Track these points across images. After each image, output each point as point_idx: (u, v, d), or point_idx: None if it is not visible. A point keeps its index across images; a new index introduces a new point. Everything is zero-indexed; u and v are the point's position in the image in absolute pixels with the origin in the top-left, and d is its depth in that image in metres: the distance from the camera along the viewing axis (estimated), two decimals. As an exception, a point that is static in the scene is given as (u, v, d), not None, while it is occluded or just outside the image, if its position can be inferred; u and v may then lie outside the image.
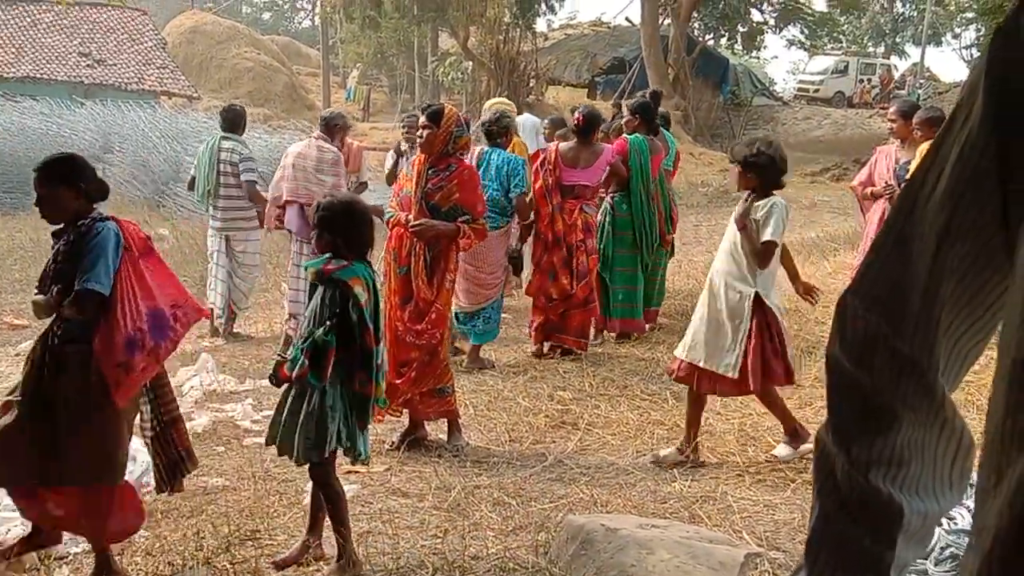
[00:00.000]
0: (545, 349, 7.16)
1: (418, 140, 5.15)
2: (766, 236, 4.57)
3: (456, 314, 6.66)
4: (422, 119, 5.12)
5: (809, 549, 1.02)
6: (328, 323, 3.50)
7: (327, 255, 3.67)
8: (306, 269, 4.00)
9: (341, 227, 3.65)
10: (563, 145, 7.18)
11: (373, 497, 4.44)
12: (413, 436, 5.21)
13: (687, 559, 3.43)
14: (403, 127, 8.51)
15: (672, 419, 5.60)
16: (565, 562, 3.64)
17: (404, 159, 7.98)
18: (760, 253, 4.60)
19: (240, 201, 7.71)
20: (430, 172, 5.11)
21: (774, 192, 4.72)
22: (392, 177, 8.03)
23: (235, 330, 8.02)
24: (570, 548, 3.66)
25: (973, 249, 0.90)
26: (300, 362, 3.47)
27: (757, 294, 4.65)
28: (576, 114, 7.27)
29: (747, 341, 4.65)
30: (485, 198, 5.90)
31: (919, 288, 0.93)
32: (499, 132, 6.94)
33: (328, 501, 3.69)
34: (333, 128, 7.45)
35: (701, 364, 4.76)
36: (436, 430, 5.38)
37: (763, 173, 4.68)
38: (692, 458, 4.90)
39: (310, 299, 3.68)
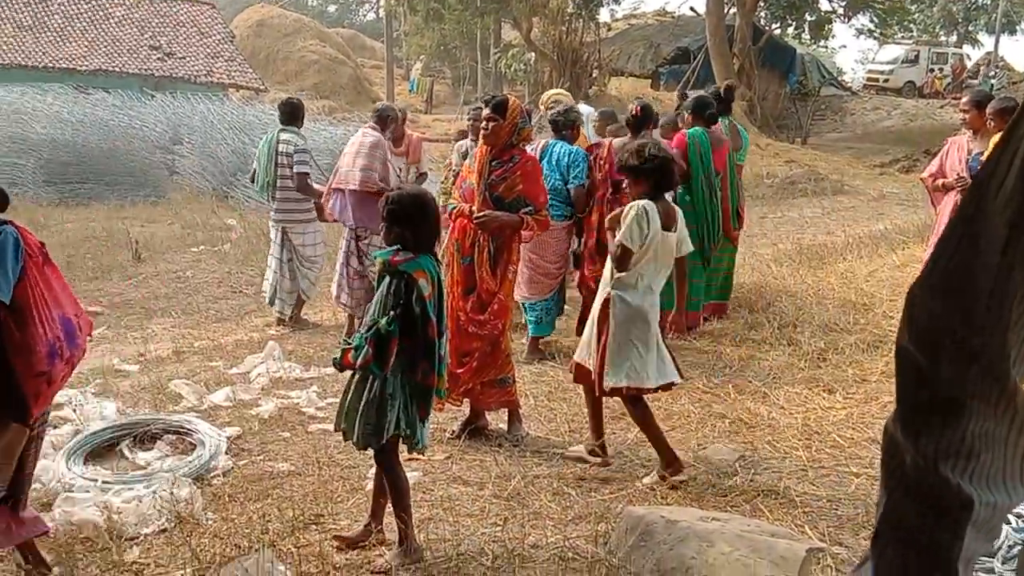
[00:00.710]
0: None
1: (482, 131, 5.16)
2: (617, 239, 4.47)
3: (521, 303, 6.79)
4: (486, 111, 5.13)
5: (876, 538, 1.02)
6: (392, 313, 3.55)
7: (395, 246, 3.72)
8: (374, 258, 4.06)
9: (408, 220, 3.69)
10: (617, 140, 7.15)
11: (434, 484, 4.49)
12: (474, 425, 5.25)
13: (748, 552, 3.41)
14: (470, 119, 8.55)
15: (735, 412, 5.55)
16: (624, 553, 3.64)
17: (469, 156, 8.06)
18: (614, 255, 4.50)
19: (295, 193, 7.82)
20: (493, 164, 5.13)
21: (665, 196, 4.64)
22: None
23: (303, 316, 8.16)
24: (630, 539, 3.66)
25: None
26: (364, 351, 3.52)
27: (610, 296, 4.55)
28: (633, 105, 7.25)
29: (598, 340, 4.59)
30: (548, 188, 6.06)
31: (989, 278, 0.92)
32: (566, 124, 7.02)
33: (391, 487, 3.75)
34: (385, 120, 7.55)
35: (576, 358, 4.81)
36: (496, 420, 5.41)
37: (648, 178, 4.57)
38: (602, 457, 4.82)
39: (378, 287, 3.73)
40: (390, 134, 7.60)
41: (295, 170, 7.71)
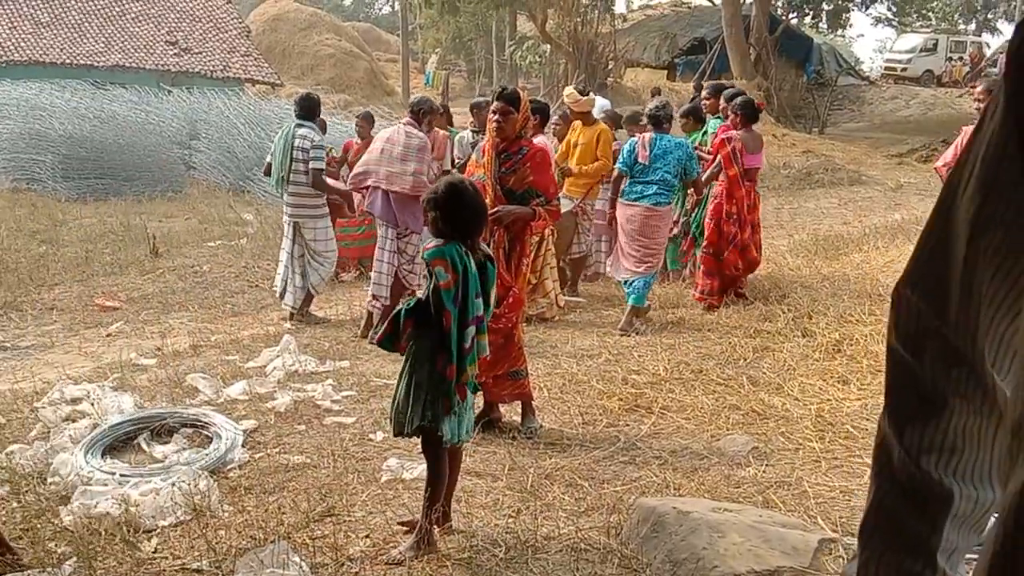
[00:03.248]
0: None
1: (494, 124, 5.14)
2: None
3: (625, 281, 7.61)
4: (497, 104, 5.12)
5: (862, 530, 1.06)
6: (415, 299, 3.63)
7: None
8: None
9: (440, 207, 3.73)
10: (740, 134, 8.00)
11: (448, 477, 4.51)
12: (487, 418, 5.26)
13: (759, 543, 3.42)
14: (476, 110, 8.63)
15: (748, 404, 5.56)
16: (636, 544, 3.66)
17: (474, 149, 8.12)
18: None
19: (308, 188, 7.79)
20: (502, 156, 5.14)
21: None
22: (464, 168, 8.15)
23: (311, 311, 8.15)
24: (642, 530, 3.68)
25: (1006, 238, 0.89)
26: (382, 328, 3.60)
27: None
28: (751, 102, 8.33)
29: None
30: (657, 180, 7.22)
31: (958, 279, 0.94)
32: (665, 118, 7.51)
33: (429, 475, 3.77)
34: (420, 114, 7.49)
35: None
36: (510, 412, 5.44)
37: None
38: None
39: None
40: (426, 128, 7.56)
41: (311, 166, 7.68)
